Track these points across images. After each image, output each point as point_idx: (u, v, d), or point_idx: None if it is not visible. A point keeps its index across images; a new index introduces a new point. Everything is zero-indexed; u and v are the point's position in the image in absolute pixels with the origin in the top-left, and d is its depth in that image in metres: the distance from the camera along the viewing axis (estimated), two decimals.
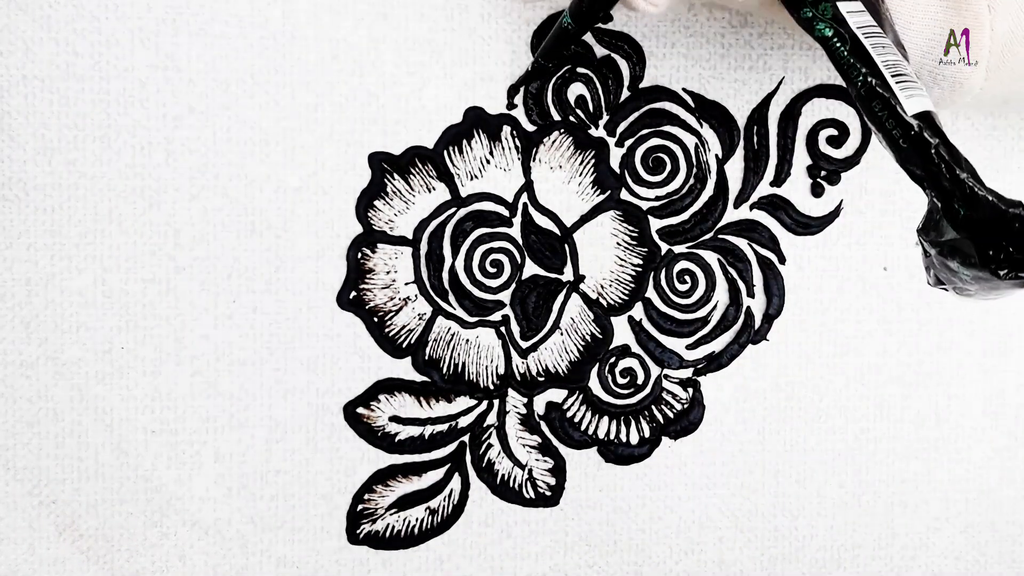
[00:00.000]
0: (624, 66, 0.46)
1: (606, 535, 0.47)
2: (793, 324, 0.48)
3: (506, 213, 0.46)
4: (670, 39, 0.46)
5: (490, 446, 0.46)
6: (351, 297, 0.45)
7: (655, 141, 0.46)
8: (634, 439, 0.47)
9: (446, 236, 0.46)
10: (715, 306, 0.47)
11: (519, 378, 0.46)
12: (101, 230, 0.43)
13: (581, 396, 0.47)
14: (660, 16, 0.33)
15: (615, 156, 0.46)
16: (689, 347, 0.47)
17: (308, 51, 0.44)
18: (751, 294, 0.47)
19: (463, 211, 0.46)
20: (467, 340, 0.46)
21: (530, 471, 0.46)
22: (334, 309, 0.45)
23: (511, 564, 0.46)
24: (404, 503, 0.46)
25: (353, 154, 0.45)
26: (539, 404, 0.46)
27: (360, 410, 0.45)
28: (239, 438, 0.45)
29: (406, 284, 0.46)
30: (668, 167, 0.47)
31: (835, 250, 0.48)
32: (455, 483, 0.46)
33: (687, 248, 0.47)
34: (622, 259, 0.47)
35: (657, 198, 0.47)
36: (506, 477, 0.46)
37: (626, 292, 0.47)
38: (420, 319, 0.46)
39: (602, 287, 0.47)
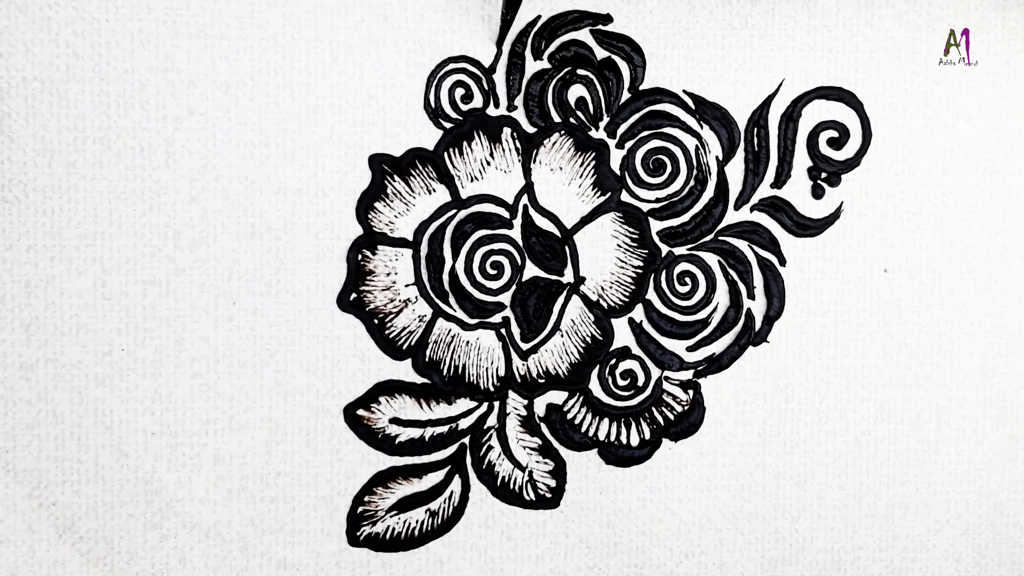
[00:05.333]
0: (624, 68, 0.46)
1: (606, 537, 0.47)
2: (793, 326, 0.48)
3: (506, 215, 0.46)
4: (670, 41, 0.46)
5: (490, 448, 0.46)
6: (351, 299, 0.45)
7: (655, 143, 0.46)
8: (634, 441, 0.47)
9: (446, 238, 0.46)
10: (715, 308, 0.47)
11: (519, 380, 0.46)
12: (101, 232, 0.43)
13: (581, 398, 0.47)
14: None
15: (615, 158, 0.46)
16: (689, 349, 0.47)
17: (308, 53, 0.44)
18: (751, 296, 0.47)
19: (463, 213, 0.46)
20: (467, 342, 0.46)
21: (530, 473, 0.46)
22: (334, 311, 0.45)
23: (511, 566, 0.46)
24: (404, 505, 0.46)
25: (353, 156, 0.45)
26: (539, 406, 0.46)
27: (360, 412, 0.45)
28: (239, 440, 0.45)
29: (406, 286, 0.46)
30: (668, 169, 0.47)
31: (835, 252, 0.48)
32: (455, 485, 0.46)
33: (687, 250, 0.47)
34: (622, 261, 0.47)
35: (657, 200, 0.47)
36: (506, 479, 0.46)
37: (626, 294, 0.47)
38: (420, 321, 0.46)
39: (602, 289, 0.47)
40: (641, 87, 0.46)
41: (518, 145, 0.46)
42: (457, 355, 0.46)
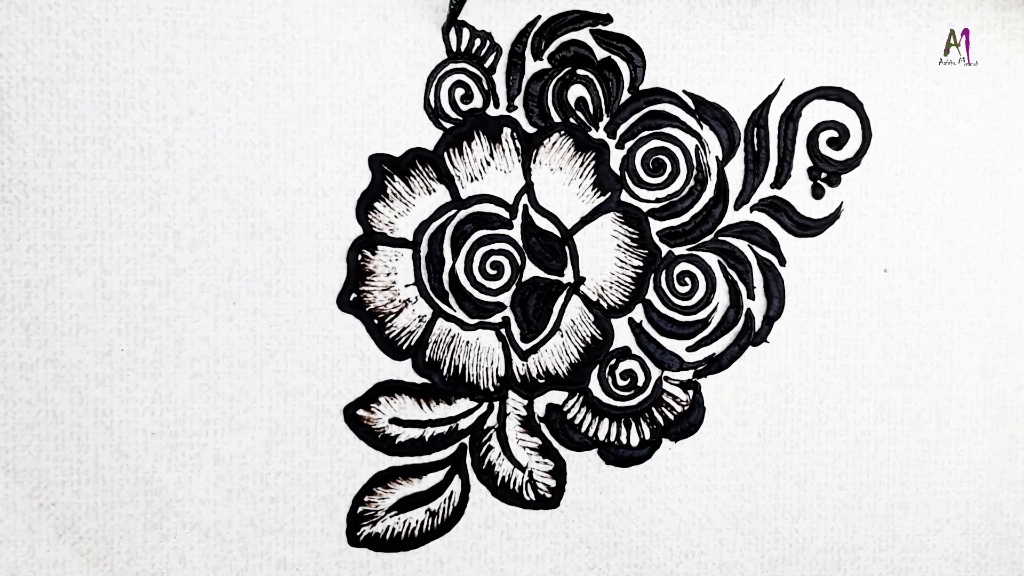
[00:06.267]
0: (624, 68, 0.46)
1: (606, 537, 0.47)
2: (793, 326, 0.48)
3: (506, 215, 0.46)
4: (670, 41, 0.46)
5: (490, 448, 0.46)
6: (351, 299, 0.45)
7: (655, 143, 0.46)
8: (634, 441, 0.47)
9: (446, 238, 0.46)
10: (715, 308, 0.47)
11: (519, 380, 0.46)
12: (101, 232, 0.43)
13: (581, 398, 0.47)
14: None
15: (615, 158, 0.46)
16: (689, 349, 0.47)
17: (308, 53, 0.44)
18: (751, 296, 0.47)
19: (463, 213, 0.46)
20: (467, 342, 0.46)
21: (530, 473, 0.46)
22: (334, 311, 0.45)
23: (511, 566, 0.46)
24: (404, 505, 0.46)
25: (353, 156, 0.45)
26: (539, 406, 0.46)
27: (360, 412, 0.45)
28: (239, 440, 0.45)
29: (406, 286, 0.46)
30: (668, 169, 0.47)
31: (835, 252, 0.48)
32: (455, 485, 0.46)
33: (687, 250, 0.47)
34: (622, 261, 0.47)
35: (657, 200, 0.47)
36: (506, 479, 0.46)
37: (626, 294, 0.47)
38: (420, 321, 0.46)
39: (602, 289, 0.47)
40: (641, 87, 0.46)
41: (518, 145, 0.46)
42: (457, 355, 0.46)
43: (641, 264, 0.47)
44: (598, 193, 0.46)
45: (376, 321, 0.45)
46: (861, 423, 0.48)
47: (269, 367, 0.45)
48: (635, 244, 0.47)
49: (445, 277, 0.46)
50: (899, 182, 0.48)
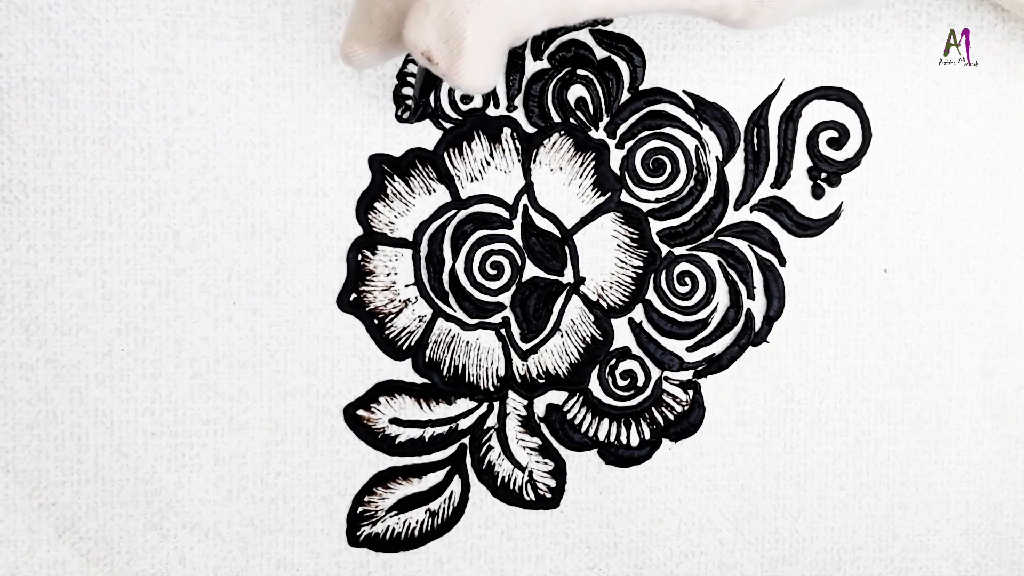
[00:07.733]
0: (624, 68, 0.46)
1: (606, 537, 0.47)
2: (793, 326, 0.48)
3: (506, 215, 0.46)
4: (670, 41, 0.46)
5: (490, 448, 0.46)
6: (351, 299, 0.45)
7: (655, 143, 0.46)
8: (634, 441, 0.47)
9: (446, 238, 0.46)
10: (715, 308, 0.47)
11: (519, 380, 0.46)
12: (101, 232, 0.43)
13: (581, 398, 0.47)
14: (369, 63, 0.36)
15: (615, 158, 0.46)
16: (689, 349, 0.47)
17: (308, 53, 0.44)
18: (751, 296, 0.47)
19: (463, 213, 0.46)
20: (467, 342, 0.46)
21: (530, 473, 0.46)
22: (334, 311, 0.45)
23: (511, 566, 0.46)
24: (404, 505, 0.46)
25: (353, 156, 0.45)
26: (539, 406, 0.46)
27: (360, 412, 0.45)
28: (239, 440, 0.45)
29: (406, 286, 0.46)
30: (668, 169, 0.47)
31: (835, 252, 0.48)
32: (455, 485, 0.46)
33: (687, 250, 0.47)
34: (622, 261, 0.47)
35: (657, 200, 0.47)
36: (506, 479, 0.46)
37: (626, 294, 0.47)
38: (420, 321, 0.46)
39: (602, 289, 0.47)
40: (641, 87, 0.46)
41: (518, 145, 0.46)
42: (457, 355, 0.46)
43: (641, 264, 0.47)
44: (598, 193, 0.46)
45: (376, 321, 0.45)
46: (861, 423, 0.48)
47: (269, 367, 0.45)
48: (635, 244, 0.47)
49: (445, 277, 0.46)
50: (899, 182, 0.48)
